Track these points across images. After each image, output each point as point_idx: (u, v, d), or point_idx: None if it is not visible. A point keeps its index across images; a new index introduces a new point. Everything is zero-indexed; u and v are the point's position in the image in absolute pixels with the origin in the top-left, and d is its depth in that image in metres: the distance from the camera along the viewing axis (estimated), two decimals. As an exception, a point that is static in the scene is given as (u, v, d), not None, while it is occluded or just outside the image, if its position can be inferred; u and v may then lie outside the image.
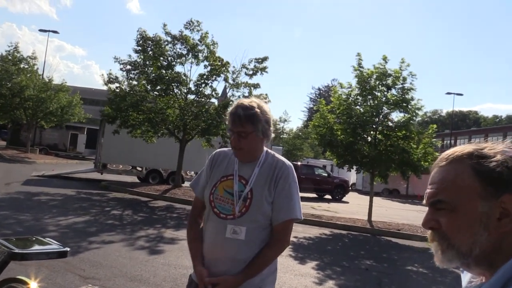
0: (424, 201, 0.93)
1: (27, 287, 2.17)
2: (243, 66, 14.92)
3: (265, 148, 2.05)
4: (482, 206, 0.84)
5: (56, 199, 11.10)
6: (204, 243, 1.98)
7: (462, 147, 0.91)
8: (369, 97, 12.13)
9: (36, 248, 2.33)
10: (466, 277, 0.97)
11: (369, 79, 11.99)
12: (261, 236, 1.93)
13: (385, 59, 12.01)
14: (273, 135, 2.05)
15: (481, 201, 0.85)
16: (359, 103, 12.39)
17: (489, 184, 0.84)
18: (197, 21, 15.09)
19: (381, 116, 12.13)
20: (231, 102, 14.97)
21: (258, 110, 1.93)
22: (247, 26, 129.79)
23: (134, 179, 18.30)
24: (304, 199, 18.95)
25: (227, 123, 1.99)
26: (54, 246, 2.31)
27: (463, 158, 0.89)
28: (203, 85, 15.15)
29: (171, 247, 6.89)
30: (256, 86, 15.00)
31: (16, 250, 2.11)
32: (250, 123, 1.91)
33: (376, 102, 12.01)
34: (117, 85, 14.89)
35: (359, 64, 12.18)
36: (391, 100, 11.88)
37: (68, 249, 2.32)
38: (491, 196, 0.84)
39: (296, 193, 1.99)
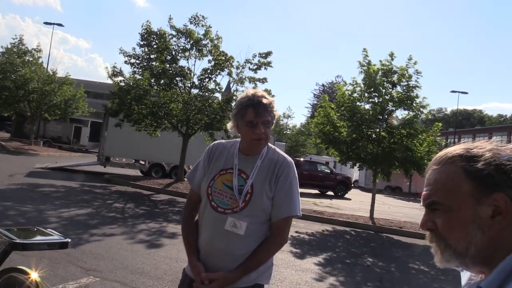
0: (421, 203, 0.95)
1: (28, 277, 2.16)
2: (247, 61, 14.90)
3: None
4: (475, 206, 0.85)
5: (58, 191, 11.14)
6: (200, 237, 1.95)
7: (453, 148, 0.93)
8: (374, 94, 12.07)
9: (38, 238, 2.33)
10: (465, 275, 0.98)
11: (375, 76, 11.92)
12: (259, 231, 1.91)
13: (392, 55, 11.93)
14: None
15: (473, 200, 0.86)
16: (364, 100, 12.33)
17: (480, 183, 0.85)
18: (202, 16, 15.07)
19: (385, 114, 12.07)
20: (234, 97, 14.95)
21: (271, 99, 1.94)
22: (252, 22, 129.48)
23: (137, 172, 18.35)
24: (306, 195, 18.98)
25: (245, 116, 1.89)
26: (55, 237, 2.30)
27: (454, 159, 0.90)
28: (206, 80, 15.14)
29: (172, 241, 6.89)
30: (263, 80, 14.97)
31: (18, 240, 2.11)
32: (271, 112, 1.91)
33: (381, 99, 11.95)
34: (121, 78, 14.90)
35: (365, 57, 12.06)
36: (396, 98, 11.82)
37: (69, 240, 2.31)
38: (482, 195, 0.85)
39: (296, 190, 1.97)
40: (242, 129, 1.93)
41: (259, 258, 1.88)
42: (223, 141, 2.13)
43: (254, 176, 1.92)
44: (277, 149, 2.05)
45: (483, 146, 0.89)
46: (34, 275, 2.18)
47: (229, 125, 2.01)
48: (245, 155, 1.98)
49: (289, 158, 2.02)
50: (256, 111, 1.87)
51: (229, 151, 2.02)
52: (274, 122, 1.97)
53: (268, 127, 1.91)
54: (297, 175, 2.01)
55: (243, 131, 1.93)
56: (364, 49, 12.16)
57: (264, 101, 1.89)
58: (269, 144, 2.03)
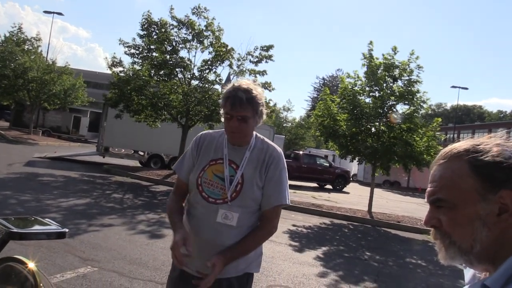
0: (425, 199, 0.93)
1: (25, 266, 2.15)
2: (248, 53, 14.80)
3: (254, 132, 2.01)
4: (480, 203, 0.83)
5: (57, 181, 11.13)
6: (191, 228, 1.93)
7: (460, 144, 0.90)
8: (375, 87, 12.02)
9: (35, 228, 2.31)
10: (469, 272, 0.96)
11: (376, 70, 11.86)
12: (250, 221, 1.92)
13: (394, 49, 11.86)
14: (264, 117, 1.99)
15: (479, 197, 0.84)
16: (365, 94, 12.29)
17: (486, 179, 0.83)
18: (205, 8, 14.94)
19: (385, 108, 12.04)
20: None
21: (256, 93, 1.88)
22: (253, 14, 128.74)
23: (136, 163, 18.34)
24: (305, 188, 18.99)
25: (224, 107, 1.88)
26: (53, 226, 2.29)
27: (460, 154, 0.88)
28: (207, 71, 15.04)
29: (171, 232, 6.85)
30: (263, 73, 14.87)
31: (15, 230, 2.09)
32: (251, 107, 1.85)
33: (382, 93, 11.90)
34: (121, 68, 14.83)
35: (370, 50, 12.01)
36: (397, 92, 11.78)
37: (67, 230, 2.29)
38: (488, 192, 0.83)
39: (285, 180, 1.98)
40: (224, 119, 1.94)
41: (248, 245, 1.89)
42: (210, 131, 2.11)
43: (244, 166, 1.92)
44: (266, 139, 2.04)
45: (490, 141, 0.87)
46: (31, 265, 2.17)
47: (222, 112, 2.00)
48: (233, 145, 1.98)
49: (279, 148, 2.03)
50: (231, 104, 1.84)
51: (217, 141, 2.02)
52: (259, 116, 1.91)
53: (245, 122, 1.86)
54: (286, 165, 2.02)
55: (224, 122, 1.94)
56: (371, 42, 12.07)
57: (243, 95, 1.83)
58: (258, 134, 2.03)
